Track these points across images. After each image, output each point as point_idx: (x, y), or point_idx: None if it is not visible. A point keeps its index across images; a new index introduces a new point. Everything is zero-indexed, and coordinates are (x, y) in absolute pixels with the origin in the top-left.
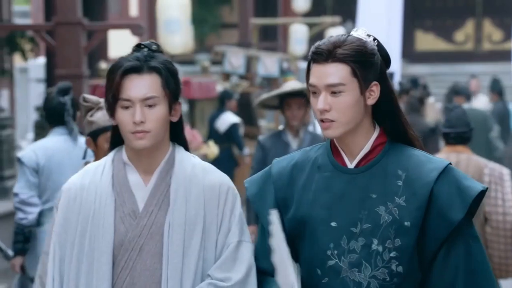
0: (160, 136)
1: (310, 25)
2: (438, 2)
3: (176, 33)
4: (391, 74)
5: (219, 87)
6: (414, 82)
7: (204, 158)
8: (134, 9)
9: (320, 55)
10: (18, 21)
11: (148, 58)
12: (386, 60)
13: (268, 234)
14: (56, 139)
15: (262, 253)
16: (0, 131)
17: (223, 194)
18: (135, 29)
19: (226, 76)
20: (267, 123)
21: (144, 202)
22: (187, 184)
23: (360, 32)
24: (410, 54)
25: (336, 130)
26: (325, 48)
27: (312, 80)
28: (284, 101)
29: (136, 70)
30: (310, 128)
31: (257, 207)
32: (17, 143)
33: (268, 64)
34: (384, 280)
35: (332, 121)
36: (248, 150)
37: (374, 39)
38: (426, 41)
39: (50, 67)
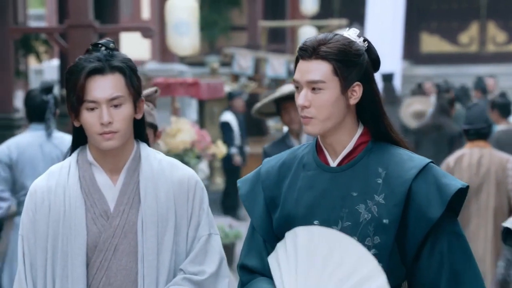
0: (127, 135)
1: (318, 27)
2: (443, 5)
3: (185, 35)
4: (391, 75)
5: (227, 88)
6: (445, 83)
7: (213, 157)
8: (146, 12)
9: (305, 52)
10: (33, 24)
11: (108, 57)
12: (375, 62)
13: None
14: (30, 135)
15: (251, 251)
16: (14, 131)
17: (191, 188)
18: (145, 32)
19: (235, 78)
20: (275, 123)
21: (114, 201)
22: (155, 180)
23: (350, 32)
24: (415, 55)
25: (314, 126)
26: (310, 45)
27: (296, 75)
28: (281, 106)
29: (99, 71)
30: None
31: (248, 207)
32: None
33: (276, 65)
34: None
35: (311, 118)
36: (250, 149)
37: (365, 40)
38: (431, 43)
39: (63, 68)
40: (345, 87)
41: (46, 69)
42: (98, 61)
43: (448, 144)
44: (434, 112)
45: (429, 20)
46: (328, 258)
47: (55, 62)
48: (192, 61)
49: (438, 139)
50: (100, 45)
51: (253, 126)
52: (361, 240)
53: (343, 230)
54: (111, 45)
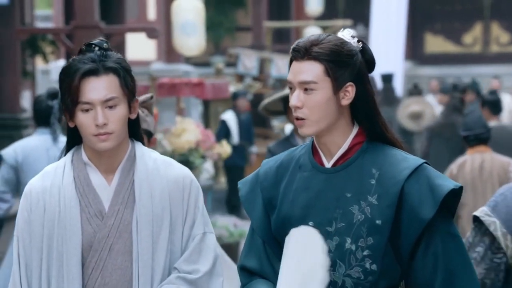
0: (122, 136)
1: (323, 28)
2: (447, 5)
3: (191, 36)
4: (390, 76)
5: (232, 88)
6: (459, 81)
7: (218, 157)
8: (151, 13)
9: (298, 52)
10: (41, 24)
11: (102, 58)
12: (369, 63)
13: None
14: (37, 138)
15: (250, 252)
16: (22, 131)
17: (187, 186)
18: (151, 32)
19: (240, 78)
20: (279, 123)
21: (109, 201)
22: (150, 179)
23: (345, 32)
24: (419, 56)
25: (308, 128)
26: (302, 45)
27: (289, 76)
28: (288, 104)
29: (93, 72)
30: None
31: (247, 208)
32: None
33: (281, 65)
34: (358, 279)
35: (304, 119)
36: (257, 149)
37: (359, 41)
38: (435, 43)
39: None
40: (337, 87)
41: (53, 69)
42: (92, 62)
43: (462, 143)
44: (445, 111)
45: (433, 21)
46: (302, 255)
47: (62, 63)
48: (197, 62)
49: (452, 137)
50: (93, 46)
51: (259, 124)
52: (355, 241)
53: (337, 231)
54: (105, 45)
